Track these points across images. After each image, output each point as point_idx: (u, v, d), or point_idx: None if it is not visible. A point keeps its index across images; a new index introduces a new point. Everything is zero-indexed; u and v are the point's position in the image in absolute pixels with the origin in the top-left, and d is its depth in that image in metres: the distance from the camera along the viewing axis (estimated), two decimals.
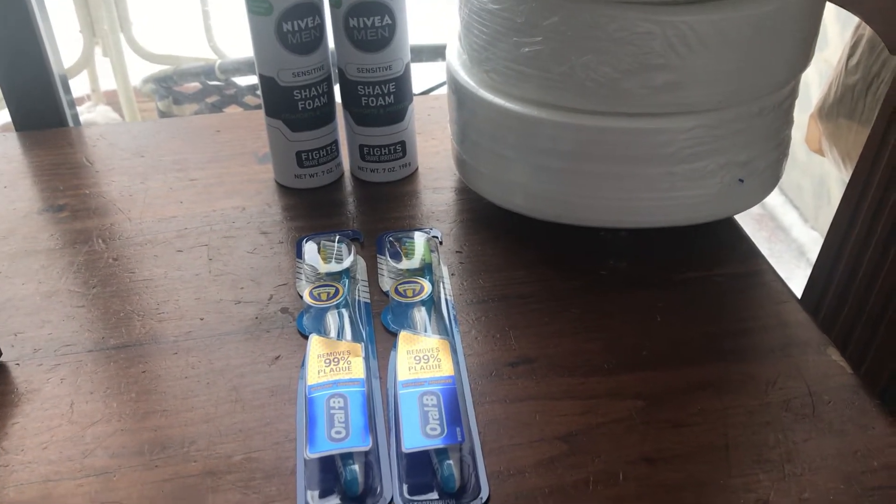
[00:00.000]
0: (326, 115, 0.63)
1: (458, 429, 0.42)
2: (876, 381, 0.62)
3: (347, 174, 0.68)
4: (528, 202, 0.57)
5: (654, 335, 0.51)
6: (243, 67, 1.36)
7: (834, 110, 0.95)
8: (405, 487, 0.41)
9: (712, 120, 0.51)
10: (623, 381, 0.47)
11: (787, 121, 0.57)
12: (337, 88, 0.64)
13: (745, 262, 0.57)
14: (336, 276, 0.54)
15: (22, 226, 0.63)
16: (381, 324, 0.52)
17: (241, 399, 0.47)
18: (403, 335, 0.49)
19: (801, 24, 0.52)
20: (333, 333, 0.49)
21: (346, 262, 0.56)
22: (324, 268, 0.55)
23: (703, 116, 0.51)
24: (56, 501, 0.41)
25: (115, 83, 1.84)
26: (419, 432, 0.42)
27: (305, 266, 0.56)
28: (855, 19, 0.99)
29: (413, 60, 0.64)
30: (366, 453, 0.42)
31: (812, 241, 1.87)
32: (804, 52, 0.54)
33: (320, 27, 0.59)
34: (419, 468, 0.42)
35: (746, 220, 0.62)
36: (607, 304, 0.53)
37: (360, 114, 0.63)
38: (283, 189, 0.66)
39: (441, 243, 0.59)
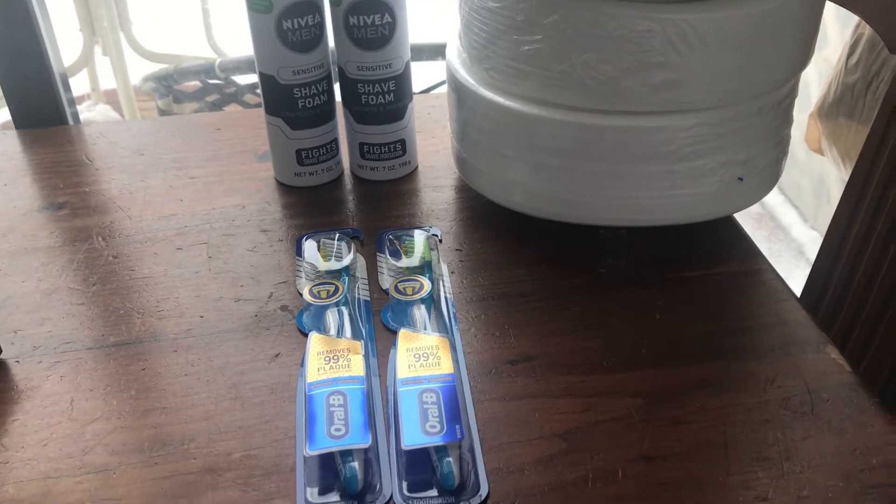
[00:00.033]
0: (326, 114, 0.63)
1: (457, 426, 0.42)
2: (875, 379, 0.62)
3: (347, 172, 0.68)
4: (527, 200, 0.57)
5: (653, 333, 0.51)
6: (243, 66, 1.36)
7: (833, 109, 0.95)
8: (405, 484, 0.41)
9: (712, 118, 0.51)
10: (622, 379, 0.47)
11: (787, 119, 0.57)
12: (337, 87, 0.64)
13: (745, 261, 0.57)
14: (336, 274, 0.54)
15: (22, 223, 0.63)
16: (380, 322, 0.52)
17: (240, 396, 0.47)
18: (403, 333, 0.49)
19: (801, 23, 0.52)
20: (333, 331, 0.49)
21: (346, 260, 0.56)
22: (323, 266, 0.55)
23: (702, 115, 0.51)
24: (56, 498, 0.41)
25: (114, 82, 1.84)
26: (419, 430, 0.42)
27: (305, 264, 0.56)
28: (855, 18, 0.99)
29: (413, 59, 0.64)
30: (365, 450, 0.42)
31: (811, 241, 1.87)
32: (804, 51, 0.54)
33: (320, 25, 0.59)
34: (419, 465, 0.42)
35: (746, 220, 0.62)
36: (607, 302, 0.53)
37: (360, 112, 0.63)
38: (283, 187, 0.66)
39: (441, 241, 0.59)
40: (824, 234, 0.69)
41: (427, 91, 1.31)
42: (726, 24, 0.48)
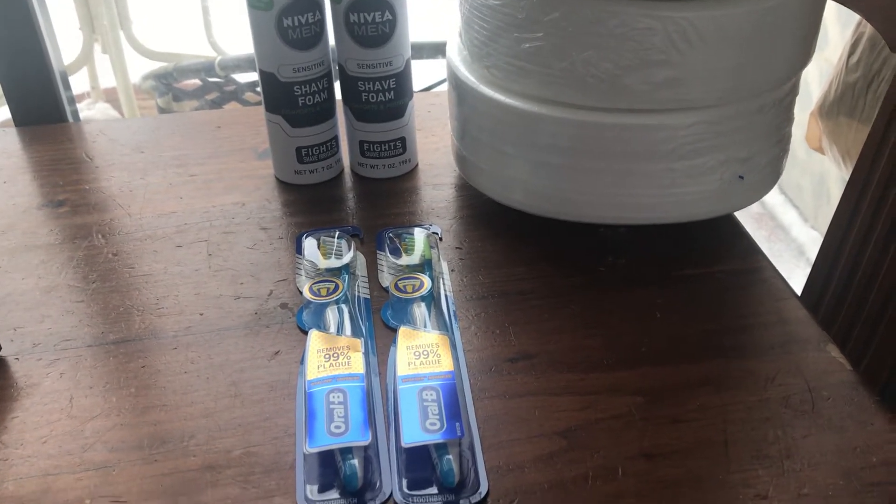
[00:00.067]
0: (326, 111, 0.63)
1: (457, 424, 0.42)
2: (876, 378, 0.62)
3: (347, 170, 0.68)
4: (528, 198, 0.57)
5: (653, 331, 0.51)
6: (243, 64, 1.36)
7: (834, 108, 0.95)
8: (404, 482, 0.41)
9: (713, 116, 0.51)
10: (622, 377, 0.47)
11: (788, 118, 0.57)
12: (337, 84, 0.64)
13: (745, 259, 0.57)
14: (336, 272, 0.54)
15: (21, 221, 0.63)
16: (380, 319, 0.52)
17: (240, 394, 0.47)
18: (403, 330, 0.49)
19: (802, 21, 0.52)
20: (333, 329, 0.49)
21: (346, 258, 0.56)
22: (323, 263, 0.55)
23: (703, 113, 0.51)
24: (55, 495, 0.41)
25: (114, 81, 1.84)
26: (418, 427, 0.42)
27: (305, 262, 0.56)
28: (855, 18, 0.99)
29: (414, 57, 0.64)
30: (365, 448, 0.42)
31: (811, 241, 1.87)
32: (805, 49, 0.54)
33: (321, 23, 0.59)
34: (418, 463, 0.42)
35: (746, 219, 0.62)
36: (607, 300, 0.53)
37: (361, 110, 0.63)
38: (283, 185, 0.66)
39: (441, 239, 0.59)
40: (824, 233, 0.69)
41: (427, 89, 1.31)
42: (727, 22, 0.48)
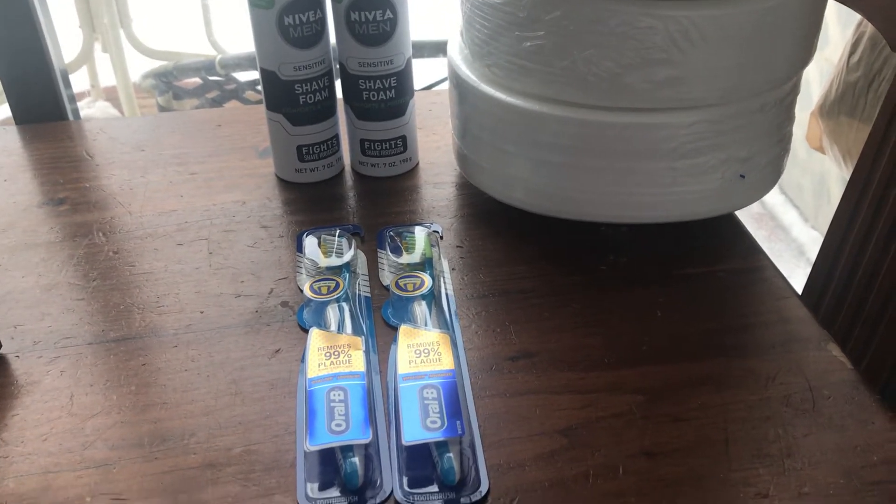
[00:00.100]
0: (327, 110, 0.63)
1: (458, 422, 0.42)
2: (876, 378, 0.62)
3: (348, 169, 0.68)
4: (528, 197, 0.57)
5: (654, 330, 0.51)
6: (244, 62, 1.36)
7: (835, 108, 0.95)
8: (405, 480, 0.41)
9: (714, 115, 0.51)
10: (623, 375, 0.47)
11: (789, 117, 0.57)
12: (338, 83, 0.64)
13: (746, 258, 0.57)
14: (336, 271, 0.54)
15: (22, 219, 0.63)
16: (381, 318, 0.52)
17: (240, 392, 0.47)
18: (404, 329, 0.49)
19: (803, 21, 0.52)
20: (334, 327, 0.49)
21: (347, 257, 0.56)
22: (324, 262, 0.55)
23: (704, 112, 0.51)
24: (56, 493, 0.41)
25: (114, 79, 1.84)
26: (419, 425, 0.42)
27: (306, 260, 0.56)
28: (856, 18, 0.99)
29: (414, 56, 0.64)
30: (366, 446, 0.42)
31: (812, 241, 1.87)
32: (806, 49, 0.54)
33: (322, 21, 0.59)
34: (419, 461, 0.42)
35: (746, 219, 0.62)
36: (608, 299, 0.53)
37: (361, 108, 0.63)
38: (284, 183, 0.66)
39: (442, 238, 0.59)
40: (824, 233, 0.69)
41: (428, 88, 1.31)
42: (728, 22, 0.48)
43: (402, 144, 0.65)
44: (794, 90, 0.56)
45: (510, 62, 0.53)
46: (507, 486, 0.41)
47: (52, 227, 0.62)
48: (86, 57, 1.82)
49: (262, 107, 0.64)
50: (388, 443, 0.43)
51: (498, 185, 0.59)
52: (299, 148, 0.64)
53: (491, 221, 0.61)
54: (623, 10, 0.48)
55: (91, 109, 1.83)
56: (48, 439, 0.44)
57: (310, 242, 0.58)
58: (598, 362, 0.48)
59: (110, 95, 1.92)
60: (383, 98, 0.62)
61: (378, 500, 0.40)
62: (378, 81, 0.61)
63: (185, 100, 1.44)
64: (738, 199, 0.56)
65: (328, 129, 0.64)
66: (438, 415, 0.43)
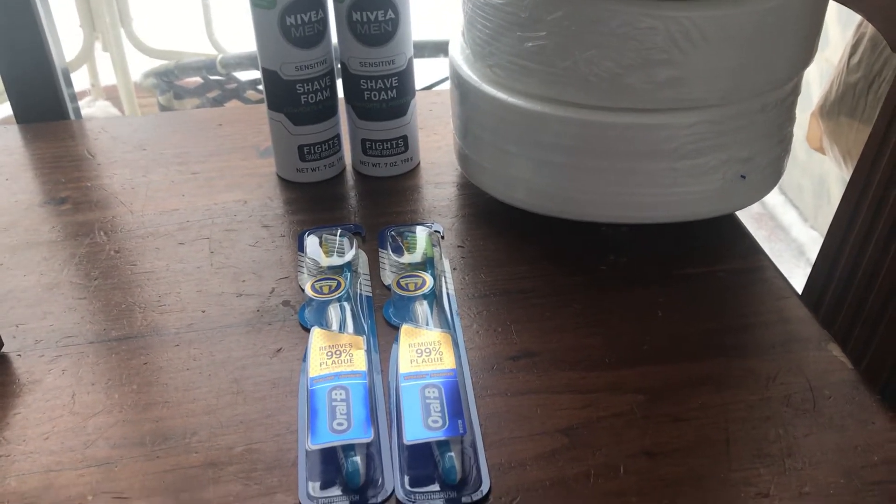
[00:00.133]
0: (329, 109, 0.63)
1: (459, 421, 0.42)
2: (876, 378, 0.62)
3: (349, 168, 0.68)
4: (529, 197, 0.57)
5: (654, 330, 0.51)
6: (245, 62, 1.36)
7: (835, 108, 0.95)
8: (406, 479, 0.41)
9: (715, 116, 0.51)
10: (624, 375, 0.47)
11: (790, 118, 0.57)
12: (339, 82, 0.64)
13: (747, 258, 0.57)
14: (338, 270, 0.54)
15: (24, 218, 0.63)
16: (382, 317, 0.52)
17: (242, 391, 0.47)
18: (405, 328, 0.49)
19: (804, 21, 0.52)
20: (335, 326, 0.49)
21: (348, 256, 0.56)
22: (325, 261, 0.55)
23: (705, 112, 0.51)
24: (57, 491, 0.41)
25: (114, 78, 1.84)
26: (421, 424, 0.42)
27: (307, 259, 0.56)
28: (856, 19, 0.99)
29: (416, 56, 0.64)
30: (367, 445, 0.42)
31: (811, 241, 1.87)
32: (807, 49, 0.54)
33: (323, 21, 0.59)
34: (421, 460, 0.42)
35: (746, 220, 0.62)
36: (608, 299, 0.54)
37: (363, 108, 0.63)
38: (285, 183, 0.66)
39: (443, 238, 0.59)
40: (824, 233, 0.70)
41: (429, 88, 1.31)
42: (729, 22, 0.48)
43: (403, 144, 0.65)
44: (795, 91, 0.56)
45: (512, 62, 0.53)
46: (508, 485, 0.41)
47: (53, 226, 0.62)
48: (86, 56, 1.82)
49: (264, 106, 0.64)
50: (390, 442, 0.43)
51: (499, 185, 0.59)
52: (301, 147, 0.64)
53: (492, 221, 0.61)
54: (624, 11, 0.48)
55: (91, 108, 1.83)
56: (50, 438, 0.44)
57: (311, 242, 0.58)
58: (598, 362, 0.48)
59: (110, 94, 1.92)
60: (385, 98, 0.62)
61: (379, 499, 0.40)
62: (380, 81, 0.61)
63: (185, 99, 1.44)
64: (738, 199, 0.57)
65: (329, 128, 0.64)
66: (440, 414, 0.43)
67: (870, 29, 0.91)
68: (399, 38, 0.60)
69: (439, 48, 1.30)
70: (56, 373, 0.48)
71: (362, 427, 0.42)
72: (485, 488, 0.41)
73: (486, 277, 0.55)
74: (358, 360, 0.46)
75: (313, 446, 0.41)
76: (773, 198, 2.00)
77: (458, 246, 0.59)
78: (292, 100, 0.61)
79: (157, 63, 1.63)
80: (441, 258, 0.57)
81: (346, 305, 0.51)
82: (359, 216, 0.62)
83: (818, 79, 1.63)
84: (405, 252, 0.56)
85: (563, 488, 0.41)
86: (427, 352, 0.47)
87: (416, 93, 0.65)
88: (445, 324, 0.50)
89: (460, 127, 0.60)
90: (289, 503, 0.40)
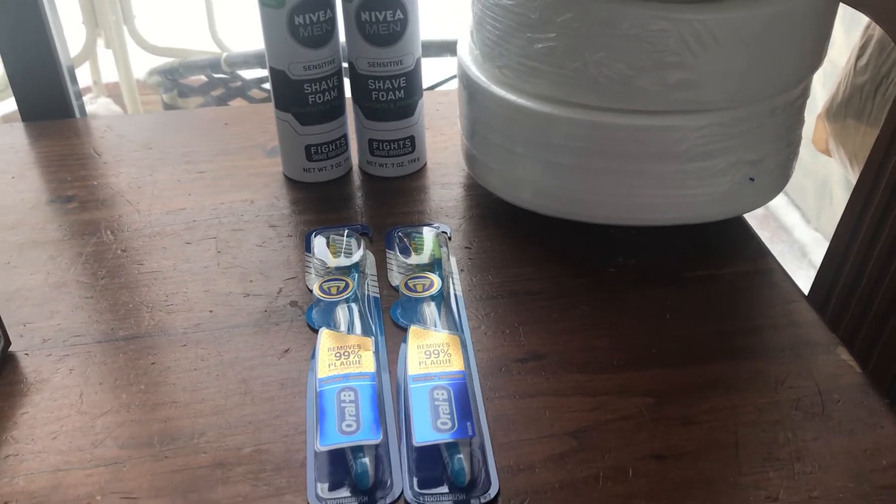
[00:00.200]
0: (336, 109, 0.63)
1: (468, 423, 0.42)
2: (881, 381, 0.62)
3: (356, 168, 0.68)
4: (537, 198, 0.57)
5: (663, 333, 0.51)
6: (250, 60, 1.36)
7: (842, 111, 0.95)
8: (415, 481, 0.41)
9: (725, 118, 0.51)
10: (632, 378, 0.47)
11: (798, 120, 0.57)
12: (347, 82, 0.64)
13: (755, 261, 0.57)
14: (345, 271, 0.54)
15: (30, 216, 0.63)
16: (390, 318, 0.52)
17: (250, 391, 0.47)
18: (414, 330, 0.49)
19: (814, 25, 0.52)
20: (343, 327, 0.49)
21: (356, 257, 0.56)
22: (333, 262, 0.55)
23: (715, 115, 0.51)
24: (66, 491, 0.41)
25: (117, 75, 1.84)
26: (430, 426, 0.42)
27: (315, 260, 0.56)
28: (860, 21, 0.99)
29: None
30: (376, 446, 0.42)
31: (814, 242, 1.87)
32: (816, 53, 0.54)
33: (332, 21, 0.59)
34: (429, 462, 0.42)
35: (749, 221, 0.62)
36: (616, 301, 0.53)
37: (370, 108, 0.63)
38: (292, 182, 0.66)
39: (450, 239, 0.59)
40: (827, 235, 0.70)
41: (432, 88, 1.31)
42: (741, 25, 0.48)
43: (410, 145, 0.65)
44: (804, 94, 0.56)
45: (521, 63, 0.53)
46: (517, 487, 0.41)
47: (60, 225, 0.62)
48: (88, 53, 1.82)
49: (270, 105, 0.64)
50: (399, 444, 0.43)
51: (507, 186, 0.59)
52: (308, 147, 0.64)
53: (499, 222, 0.61)
54: (635, 13, 0.48)
55: (93, 105, 1.83)
56: (58, 437, 0.44)
57: (318, 242, 0.58)
58: (607, 364, 0.48)
59: (112, 91, 1.92)
60: (392, 98, 0.62)
61: (388, 501, 0.40)
62: (387, 81, 0.61)
63: (190, 97, 1.43)
64: (747, 202, 0.56)
65: (337, 128, 0.64)
66: (449, 416, 0.43)
67: (878, 31, 0.91)
68: (407, 38, 0.60)
69: (444, 47, 1.30)
70: (64, 372, 0.48)
71: (371, 428, 0.42)
72: (493, 490, 0.41)
73: (493, 279, 0.55)
74: (366, 361, 0.46)
75: (322, 447, 0.41)
76: (776, 199, 1.99)
77: (466, 247, 0.59)
78: (300, 99, 0.61)
79: (159, 60, 1.63)
80: (448, 259, 0.57)
81: (354, 306, 0.51)
82: (365, 216, 0.62)
83: (821, 80, 1.63)
84: (412, 253, 0.56)
85: (572, 491, 0.41)
86: (435, 353, 0.47)
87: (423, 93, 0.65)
88: (453, 325, 0.50)
89: (468, 128, 0.60)
90: None
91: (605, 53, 0.49)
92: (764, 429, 0.44)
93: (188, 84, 1.43)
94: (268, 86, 1.37)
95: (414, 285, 0.53)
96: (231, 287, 0.55)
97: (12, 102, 0.80)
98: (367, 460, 0.41)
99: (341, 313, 0.51)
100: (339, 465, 0.42)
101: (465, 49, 0.60)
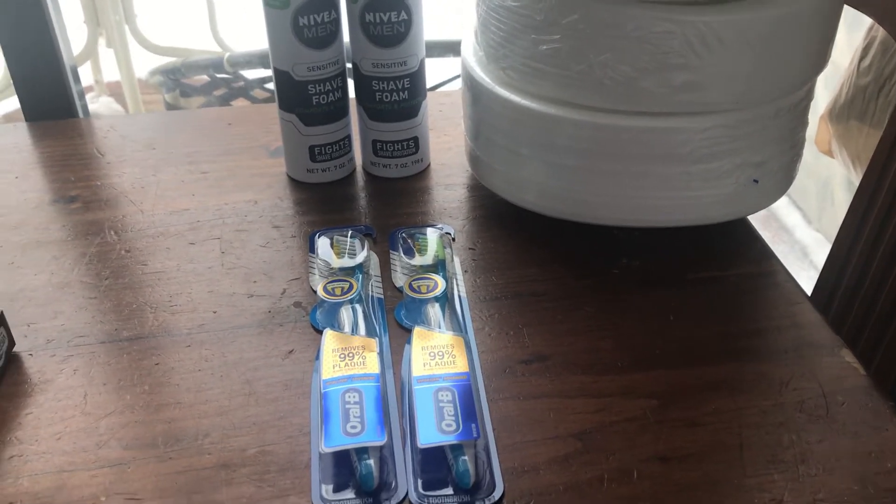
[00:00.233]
0: (340, 110, 0.63)
1: (473, 425, 0.42)
2: (885, 382, 0.62)
3: (359, 169, 0.68)
4: (542, 200, 0.57)
5: (667, 334, 0.51)
6: (253, 60, 1.36)
7: (845, 112, 0.95)
8: (420, 482, 0.41)
9: (729, 120, 0.51)
10: (636, 379, 0.47)
11: (802, 122, 0.57)
12: (351, 83, 0.64)
13: (759, 263, 0.57)
14: (349, 272, 0.54)
15: (33, 216, 0.63)
16: (394, 319, 0.52)
17: (254, 392, 0.47)
18: (418, 331, 0.49)
19: (820, 26, 0.52)
20: (348, 328, 0.49)
21: (360, 258, 0.56)
22: (337, 263, 0.55)
23: (720, 117, 0.51)
24: (70, 492, 0.41)
25: (118, 74, 1.84)
26: (434, 428, 0.42)
27: (318, 261, 0.56)
28: (862, 22, 0.99)
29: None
30: (381, 448, 0.42)
31: (815, 243, 1.87)
32: (820, 55, 0.54)
33: (336, 22, 0.59)
34: (434, 464, 0.42)
35: (750, 221, 0.62)
36: (620, 302, 0.53)
37: (374, 109, 0.63)
38: (295, 183, 0.66)
39: (454, 240, 0.59)
40: (828, 235, 0.70)
41: (435, 88, 1.31)
42: (746, 27, 0.48)
43: (414, 146, 0.65)
44: (808, 96, 0.56)
45: (526, 65, 0.53)
46: (521, 489, 0.41)
47: (63, 225, 0.62)
48: (90, 52, 1.82)
49: (273, 106, 0.64)
50: (403, 445, 0.43)
51: (511, 187, 0.59)
52: (311, 148, 0.64)
53: (503, 224, 0.61)
54: (640, 15, 0.48)
55: (94, 104, 1.83)
56: (62, 438, 0.44)
57: (322, 243, 0.58)
58: (611, 366, 0.48)
59: (113, 91, 1.92)
60: (396, 99, 0.62)
61: (393, 503, 0.40)
62: (391, 83, 0.61)
63: (192, 97, 1.43)
64: (751, 203, 0.56)
65: (340, 129, 0.64)
66: (453, 418, 0.43)
67: (881, 32, 0.91)
68: (411, 39, 0.60)
69: (446, 48, 1.30)
70: (68, 373, 0.48)
71: (376, 430, 0.42)
72: (498, 492, 0.41)
73: (497, 280, 0.55)
74: (371, 362, 0.46)
75: (327, 449, 0.41)
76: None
77: (469, 248, 0.59)
78: (304, 100, 0.61)
79: (160, 60, 1.63)
80: (452, 260, 0.56)
81: (358, 307, 0.51)
82: (369, 217, 0.62)
83: (823, 81, 1.63)
84: (416, 254, 0.56)
85: (577, 493, 0.41)
86: (440, 355, 0.47)
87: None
88: (457, 327, 0.50)
89: (472, 129, 0.60)
90: None
91: (609, 55, 0.49)
92: (768, 431, 0.44)
93: (190, 84, 1.43)
94: (270, 86, 1.37)
95: (418, 286, 0.53)
96: (235, 288, 0.55)
97: (13, 101, 0.80)
98: (371, 462, 0.41)
99: (345, 314, 0.51)
100: (344, 467, 0.42)
101: (470, 50, 0.60)
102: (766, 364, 0.48)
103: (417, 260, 0.56)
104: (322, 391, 0.45)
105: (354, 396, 0.44)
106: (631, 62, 0.49)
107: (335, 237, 0.58)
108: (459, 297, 0.53)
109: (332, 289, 0.53)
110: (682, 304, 0.53)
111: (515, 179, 0.58)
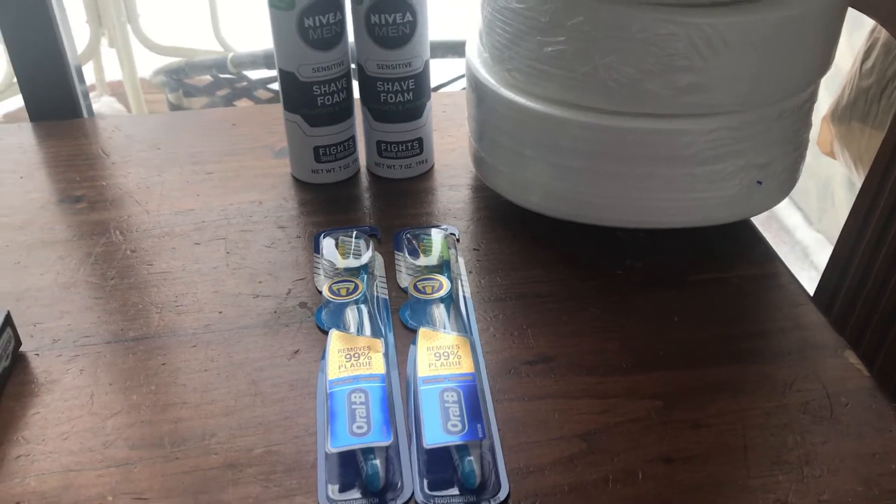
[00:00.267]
0: (345, 111, 0.63)
1: (479, 425, 0.43)
2: (887, 384, 0.63)
3: (363, 170, 0.68)
4: (546, 201, 0.57)
5: (671, 335, 0.51)
6: (256, 61, 1.36)
7: (847, 113, 0.95)
8: (426, 483, 0.41)
9: (734, 122, 0.51)
10: (640, 380, 0.48)
11: (806, 124, 0.57)
12: (356, 84, 0.64)
13: (762, 265, 0.57)
14: (354, 272, 0.55)
15: (39, 216, 0.63)
16: (398, 320, 0.52)
17: (260, 392, 0.47)
18: (423, 331, 0.49)
19: (823, 29, 0.53)
20: (353, 329, 0.50)
21: (365, 258, 0.56)
22: (342, 263, 0.55)
23: (724, 118, 0.51)
24: (77, 492, 0.42)
25: (120, 74, 1.84)
26: (440, 428, 0.42)
27: (324, 261, 0.56)
28: (864, 24, 0.99)
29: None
30: (386, 448, 0.42)
31: (816, 243, 1.87)
32: (824, 57, 0.54)
33: (341, 23, 0.60)
34: (440, 464, 0.42)
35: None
36: (624, 303, 0.54)
37: (379, 110, 0.63)
38: (300, 184, 0.66)
39: (458, 241, 0.59)
40: (829, 236, 0.70)
41: (437, 89, 1.31)
42: (750, 29, 0.48)
43: (418, 146, 0.65)
44: (812, 98, 0.56)
45: (531, 67, 0.53)
46: (526, 490, 0.41)
47: (69, 225, 0.62)
48: (92, 52, 1.82)
49: (277, 106, 0.65)
50: (409, 446, 0.43)
51: (515, 188, 0.59)
52: (316, 149, 0.64)
53: (507, 225, 0.61)
54: (645, 17, 0.48)
55: (97, 104, 1.83)
56: (69, 438, 0.44)
57: (327, 243, 0.58)
58: (615, 367, 0.49)
59: (115, 90, 1.92)
60: (401, 100, 0.62)
61: (399, 503, 0.40)
62: (396, 84, 0.61)
63: (195, 97, 1.44)
64: (754, 205, 0.57)
65: (345, 130, 0.64)
66: (459, 418, 0.43)
67: (883, 34, 0.91)
68: (416, 40, 0.60)
69: (449, 48, 1.30)
70: (74, 372, 0.49)
71: (382, 430, 0.42)
72: (504, 493, 0.41)
73: (501, 281, 0.56)
74: (376, 363, 0.47)
75: (333, 449, 0.42)
76: None
77: (474, 249, 0.59)
78: (309, 101, 0.61)
79: (162, 60, 1.63)
80: (457, 261, 0.57)
81: (364, 308, 0.51)
82: (374, 218, 0.62)
83: (824, 83, 1.63)
84: (421, 255, 0.57)
85: (582, 494, 0.41)
86: (445, 355, 0.47)
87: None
88: (462, 327, 0.50)
89: (476, 130, 0.61)
90: None
91: (614, 57, 0.49)
92: (772, 432, 0.44)
93: (193, 84, 1.43)
94: (274, 86, 1.38)
95: (423, 287, 0.53)
96: (240, 288, 0.55)
97: (16, 100, 0.80)
98: (377, 462, 0.41)
99: (351, 315, 0.51)
100: (350, 467, 0.42)
101: (474, 52, 0.60)
102: (769, 365, 0.49)
103: (422, 261, 0.56)
104: (328, 391, 0.45)
105: (360, 397, 0.44)
106: (636, 64, 0.49)
107: (340, 238, 0.58)
108: (464, 297, 0.53)
109: (338, 289, 0.53)
110: (687, 306, 0.53)
111: (520, 181, 0.58)
